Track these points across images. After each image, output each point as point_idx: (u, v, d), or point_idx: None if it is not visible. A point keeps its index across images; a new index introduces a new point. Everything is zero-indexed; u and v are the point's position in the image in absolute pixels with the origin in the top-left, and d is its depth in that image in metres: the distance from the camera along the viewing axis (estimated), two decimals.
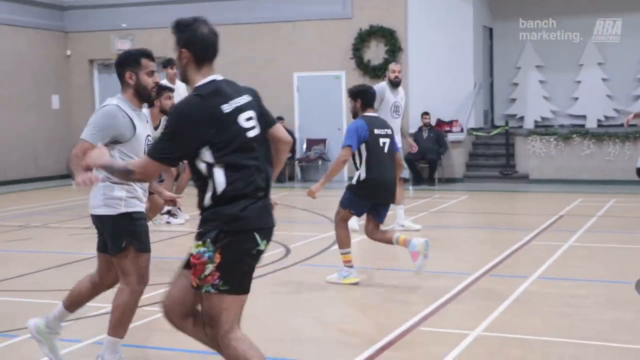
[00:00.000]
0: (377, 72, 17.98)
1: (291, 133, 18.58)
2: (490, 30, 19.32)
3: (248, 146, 3.95)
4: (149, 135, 5.29)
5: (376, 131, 7.85)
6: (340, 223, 8.02)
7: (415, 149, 12.31)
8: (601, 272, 8.52)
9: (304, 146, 19.04)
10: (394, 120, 10.54)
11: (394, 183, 8.05)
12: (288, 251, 9.76)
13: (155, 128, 8.07)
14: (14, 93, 19.13)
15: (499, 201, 15.13)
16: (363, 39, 18.27)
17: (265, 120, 4.14)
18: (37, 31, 19.97)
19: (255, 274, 4.05)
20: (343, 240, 7.99)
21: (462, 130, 17.85)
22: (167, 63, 12.11)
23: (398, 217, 11.15)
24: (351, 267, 7.96)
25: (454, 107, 17.92)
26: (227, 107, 3.95)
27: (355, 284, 7.93)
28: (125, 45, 20.27)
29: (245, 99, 4.06)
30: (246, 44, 18.95)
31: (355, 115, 8.08)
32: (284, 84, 18.65)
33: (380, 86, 10.72)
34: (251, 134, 3.98)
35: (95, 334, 6.02)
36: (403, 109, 11.21)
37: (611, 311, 6.81)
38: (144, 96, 5.24)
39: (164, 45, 19.33)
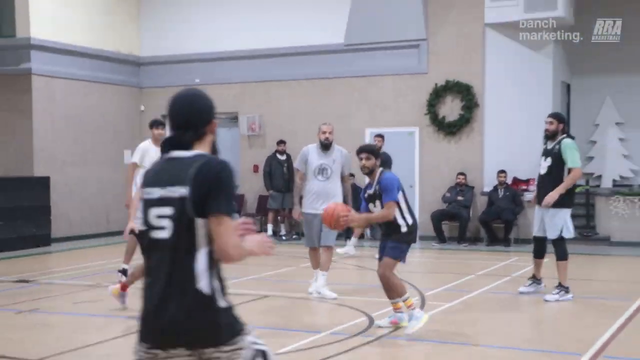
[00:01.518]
0: (452, 128, 17.31)
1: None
2: (568, 85, 18.46)
3: None
4: None
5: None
6: (392, 273, 8.21)
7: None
8: None
9: None
10: (320, 183, 10.15)
11: None
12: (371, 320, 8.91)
13: None
14: (89, 148, 18.97)
15: (583, 264, 14.04)
16: (438, 94, 17.58)
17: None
18: (114, 87, 19.85)
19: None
20: (402, 286, 8.27)
21: None
22: (153, 124, 10.78)
23: (319, 283, 10.29)
24: (414, 308, 8.13)
25: (531, 165, 16.94)
26: None
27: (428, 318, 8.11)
28: None
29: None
30: (319, 99, 18.45)
31: (371, 172, 8.25)
32: (357, 140, 17.92)
33: (306, 148, 10.41)
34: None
35: None
36: (339, 172, 10.27)
37: None
38: None
39: (235, 100, 19.41)
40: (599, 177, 18.30)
